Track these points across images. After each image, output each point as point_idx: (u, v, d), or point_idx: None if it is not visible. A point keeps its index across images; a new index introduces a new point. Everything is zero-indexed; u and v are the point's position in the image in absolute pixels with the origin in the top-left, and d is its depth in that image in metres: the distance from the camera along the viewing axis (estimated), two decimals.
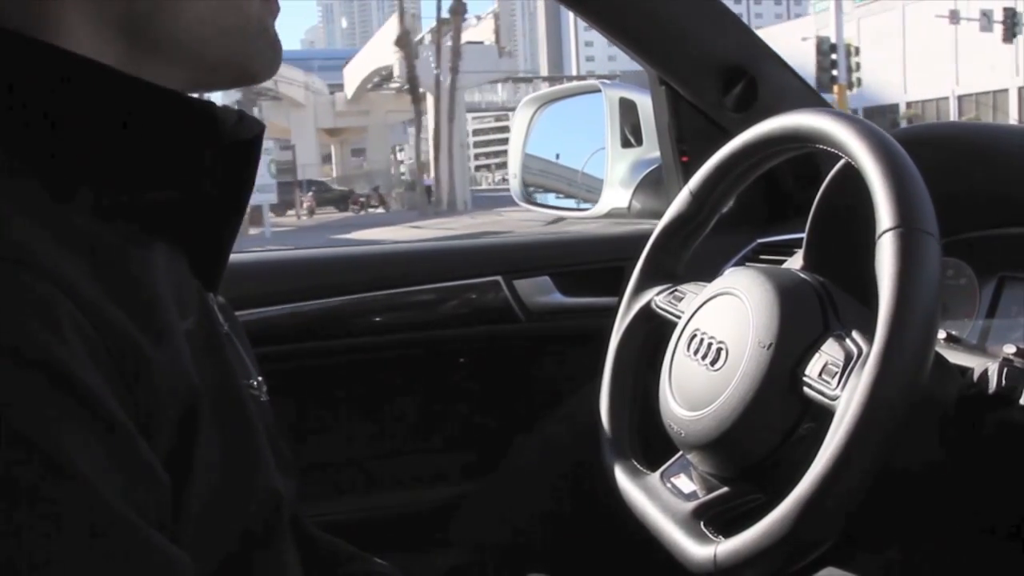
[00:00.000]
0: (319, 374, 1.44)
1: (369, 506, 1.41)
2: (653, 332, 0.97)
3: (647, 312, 0.97)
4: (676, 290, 0.96)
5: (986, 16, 29.81)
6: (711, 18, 1.31)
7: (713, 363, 0.83)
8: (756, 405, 0.77)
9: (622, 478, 0.90)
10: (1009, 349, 0.89)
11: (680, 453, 0.86)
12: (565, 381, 1.26)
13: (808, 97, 1.32)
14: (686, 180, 1.01)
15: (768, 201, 1.39)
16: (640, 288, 1.00)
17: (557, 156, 1.82)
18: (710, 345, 0.84)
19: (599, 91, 1.65)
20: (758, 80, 1.30)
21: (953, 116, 38.87)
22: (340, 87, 46.10)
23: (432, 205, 31.10)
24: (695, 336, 0.86)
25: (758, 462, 0.77)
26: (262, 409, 0.72)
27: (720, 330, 0.85)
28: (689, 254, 1.00)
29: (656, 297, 0.97)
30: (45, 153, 0.52)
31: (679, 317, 0.91)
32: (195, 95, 0.60)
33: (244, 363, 0.72)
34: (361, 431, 1.48)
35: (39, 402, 0.43)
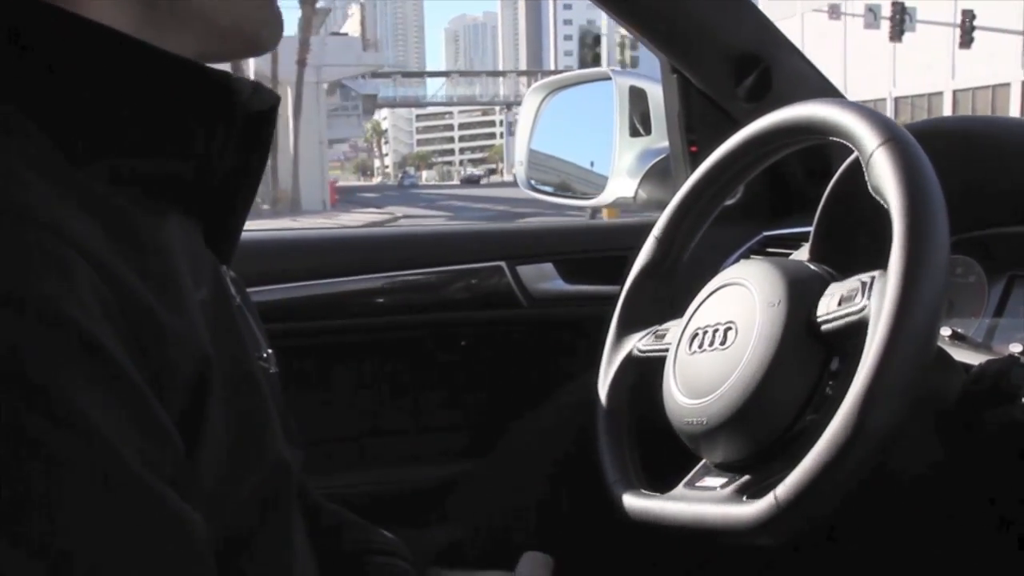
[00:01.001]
0: (322, 352, 1.45)
1: (368, 481, 1.41)
2: (641, 372, 0.95)
3: (631, 359, 0.96)
4: (658, 330, 0.95)
5: (872, 11, 27.89)
6: (726, 5, 1.30)
7: (723, 343, 0.82)
8: (778, 361, 0.76)
9: (641, 504, 0.86)
10: (1015, 348, 0.88)
11: (702, 462, 0.84)
12: (565, 367, 1.26)
13: (824, 88, 1.31)
14: (694, 170, 1.00)
15: (775, 195, 1.38)
16: (619, 338, 0.98)
17: (564, 144, 1.81)
18: (716, 331, 0.84)
19: (609, 79, 1.64)
20: (772, 69, 1.29)
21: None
22: None
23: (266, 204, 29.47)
24: (697, 335, 0.86)
25: (783, 431, 0.76)
26: (271, 381, 0.73)
27: (725, 315, 0.84)
28: (669, 294, 0.99)
29: (638, 343, 0.95)
30: (63, 119, 0.53)
31: (666, 350, 0.90)
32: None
33: (255, 336, 0.73)
34: (362, 409, 1.49)
35: (55, 356, 0.43)
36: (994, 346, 0.95)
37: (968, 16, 26.50)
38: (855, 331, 0.70)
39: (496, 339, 1.52)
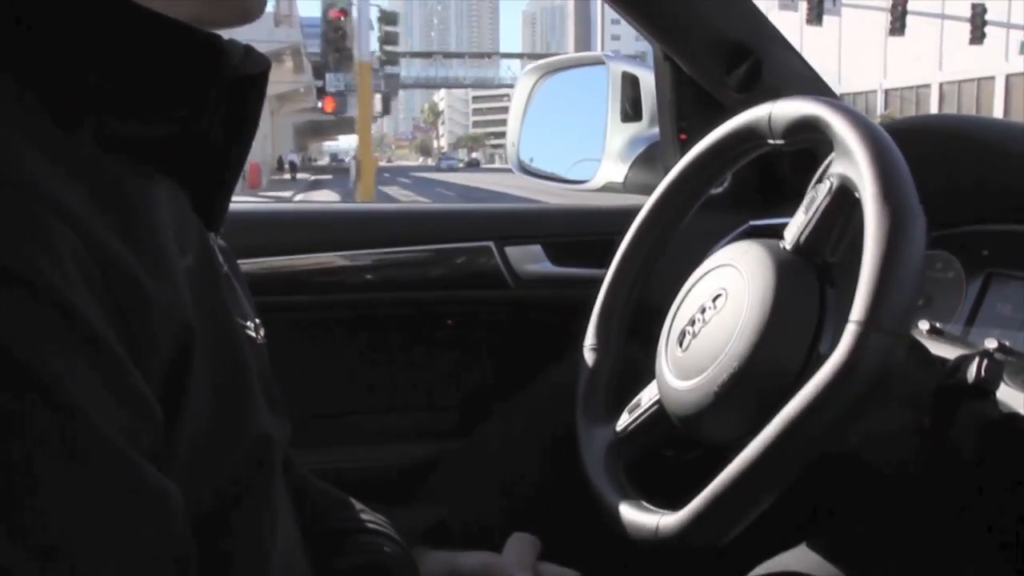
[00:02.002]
0: (307, 327, 1.46)
1: (354, 458, 1.42)
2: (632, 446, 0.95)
3: (616, 442, 0.95)
4: (631, 405, 0.95)
5: None
6: None
7: (717, 308, 0.83)
8: (777, 302, 0.76)
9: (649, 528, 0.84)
10: (991, 343, 0.90)
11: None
12: (551, 348, 1.27)
13: (812, 82, 1.32)
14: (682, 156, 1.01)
15: (764, 184, 1.39)
16: (590, 427, 0.97)
17: (557, 127, 1.82)
18: (704, 308, 0.85)
19: (603, 63, 1.65)
20: (763, 62, 1.30)
21: (880, 111, 37.88)
22: None
23: None
24: (684, 331, 0.86)
25: (795, 376, 0.74)
26: (258, 351, 0.72)
27: (713, 291, 0.85)
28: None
29: (616, 428, 0.94)
30: (49, 79, 0.52)
31: (649, 411, 0.91)
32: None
33: (241, 305, 0.72)
34: (346, 385, 1.50)
35: (30, 324, 0.42)
36: (970, 341, 0.97)
37: (979, 10, 26.05)
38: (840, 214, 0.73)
39: (482, 319, 1.53)
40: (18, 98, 0.50)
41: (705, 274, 0.89)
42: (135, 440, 0.45)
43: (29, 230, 0.44)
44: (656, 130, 1.51)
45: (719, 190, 1.38)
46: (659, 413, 0.89)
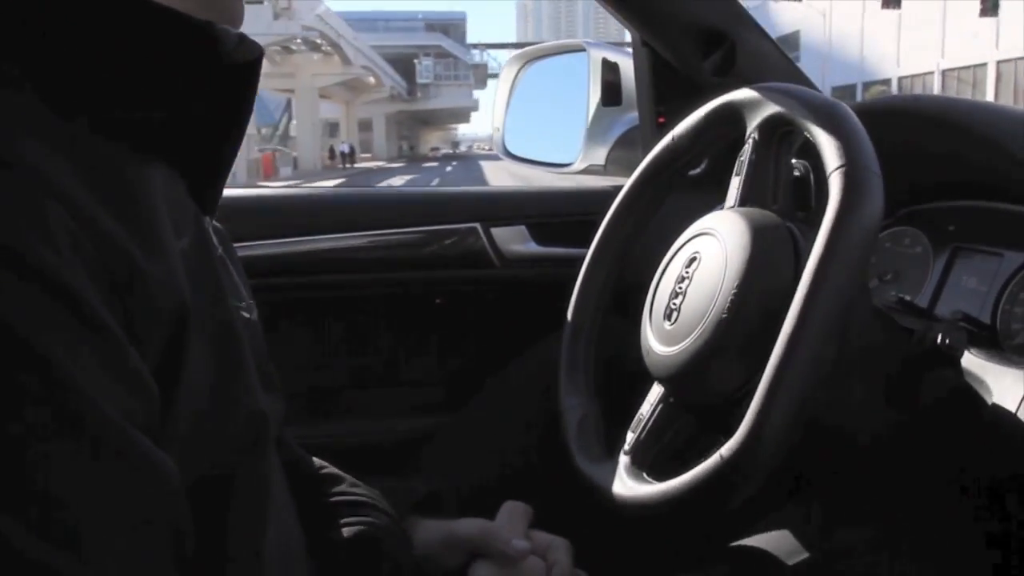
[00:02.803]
0: (301, 308, 1.49)
1: (344, 432, 1.45)
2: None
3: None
4: None
5: None
6: None
7: (694, 269, 0.87)
8: (756, 250, 0.80)
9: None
10: (955, 314, 0.94)
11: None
12: (536, 324, 1.30)
13: (784, 68, 1.36)
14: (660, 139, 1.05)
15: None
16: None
17: (540, 112, 1.84)
18: (683, 278, 0.88)
19: (584, 50, 1.68)
20: (737, 47, 1.33)
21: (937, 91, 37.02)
22: None
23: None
24: (670, 305, 0.89)
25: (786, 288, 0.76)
26: (253, 330, 0.73)
27: (686, 260, 0.89)
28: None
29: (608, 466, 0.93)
30: (45, 65, 0.52)
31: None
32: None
33: (236, 286, 0.72)
34: (338, 362, 1.53)
35: (25, 302, 0.42)
36: (937, 313, 1.00)
37: None
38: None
39: (470, 297, 1.56)
40: (12, 83, 0.50)
41: (677, 251, 0.93)
42: (130, 416, 0.45)
43: (22, 208, 0.44)
44: (635, 114, 1.54)
45: (697, 171, 1.41)
46: (665, 412, 0.89)
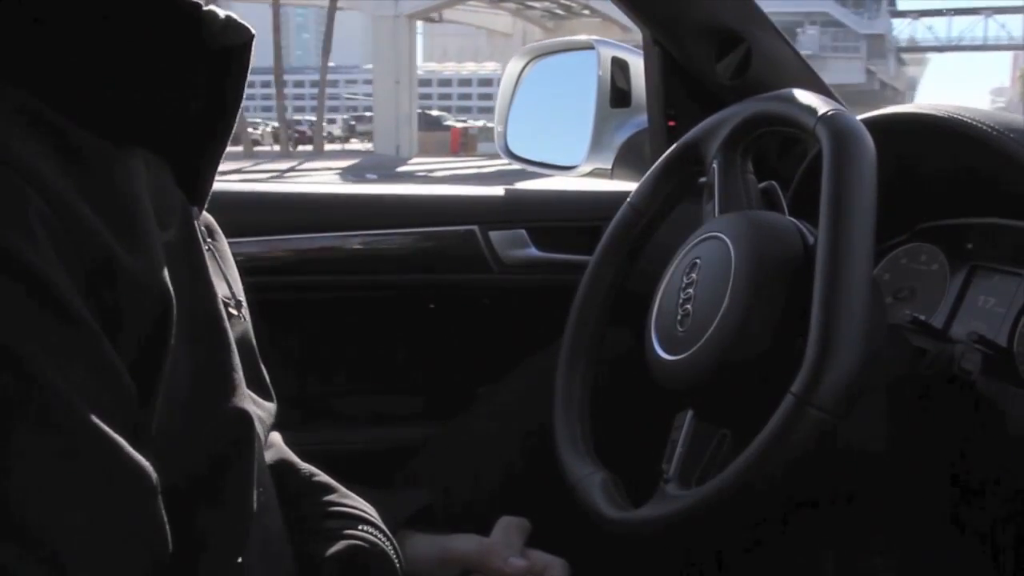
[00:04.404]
0: (292, 309, 1.45)
1: (335, 439, 1.42)
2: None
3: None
4: None
5: None
6: None
7: (698, 275, 0.86)
8: (756, 225, 0.83)
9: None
10: (971, 336, 0.90)
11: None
12: (533, 333, 1.27)
13: (801, 72, 1.32)
14: (670, 144, 1.02)
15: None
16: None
17: (545, 112, 1.81)
18: (686, 285, 0.87)
19: (592, 48, 1.64)
20: (753, 50, 1.30)
21: None
22: None
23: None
24: (678, 312, 0.87)
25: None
26: (242, 329, 0.71)
27: (687, 267, 0.88)
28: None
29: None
30: (25, 51, 0.51)
31: None
32: None
33: (225, 282, 0.71)
34: (328, 367, 1.49)
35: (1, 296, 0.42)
36: (952, 333, 0.97)
37: None
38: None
39: (466, 303, 1.52)
40: None
41: (677, 263, 0.91)
42: (107, 413, 0.45)
43: (0, 198, 0.43)
44: (644, 116, 1.51)
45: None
46: (695, 428, 0.85)
